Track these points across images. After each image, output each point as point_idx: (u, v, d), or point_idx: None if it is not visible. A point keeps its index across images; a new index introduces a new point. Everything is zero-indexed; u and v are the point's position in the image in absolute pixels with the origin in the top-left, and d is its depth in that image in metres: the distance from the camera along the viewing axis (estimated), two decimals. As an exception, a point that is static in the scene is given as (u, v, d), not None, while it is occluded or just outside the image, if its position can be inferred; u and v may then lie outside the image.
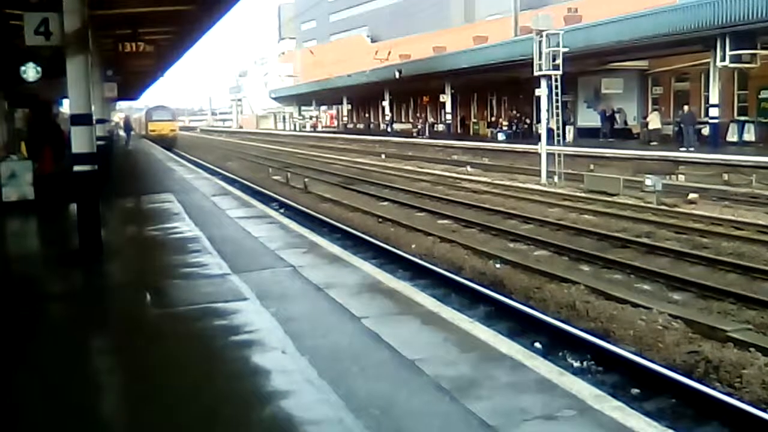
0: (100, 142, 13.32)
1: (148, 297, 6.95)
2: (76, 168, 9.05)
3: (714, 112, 27.01)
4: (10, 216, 13.61)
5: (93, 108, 9.53)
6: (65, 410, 4.41)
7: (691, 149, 24.99)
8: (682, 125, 27.78)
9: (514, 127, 41.90)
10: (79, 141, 9.01)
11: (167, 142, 48.99)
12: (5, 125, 22.62)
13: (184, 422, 4.19)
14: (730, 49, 24.70)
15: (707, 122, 27.95)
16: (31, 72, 16.96)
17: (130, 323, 6.31)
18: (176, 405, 4.45)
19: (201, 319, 6.13)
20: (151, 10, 15.33)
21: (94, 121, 9.80)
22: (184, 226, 11.43)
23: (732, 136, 28.37)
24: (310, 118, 79.55)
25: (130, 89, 41.22)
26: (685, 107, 28.45)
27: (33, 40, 9.00)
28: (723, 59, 25.05)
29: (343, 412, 4.10)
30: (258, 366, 4.97)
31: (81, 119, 9.05)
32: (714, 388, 5.99)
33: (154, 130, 54.07)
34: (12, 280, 8.57)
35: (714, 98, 26.74)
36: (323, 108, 79.52)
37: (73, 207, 9.80)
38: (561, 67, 21.92)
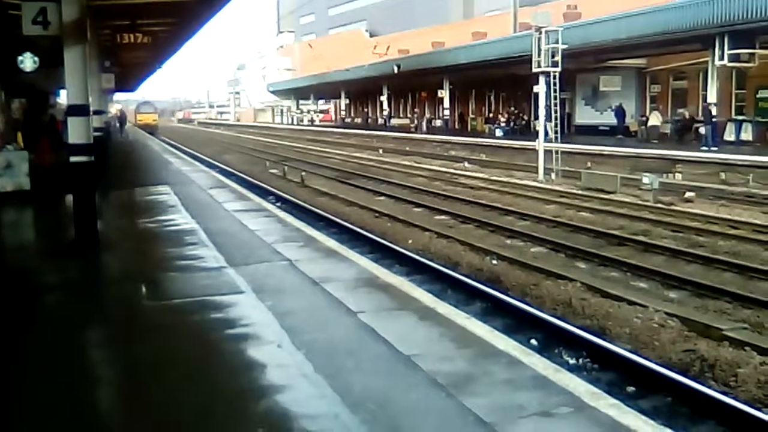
0: (97, 133, 13.30)
1: (144, 289, 6.93)
2: (73, 159, 9.02)
3: (712, 111, 26.97)
4: (5, 206, 13.56)
5: (90, 99, 9.50)
6: (60, 403, 4.39)
7: (714, 148, 24.56)
8: (703, 124, 27.12)
9: (511, 124, 41.91)
10: (76, 132, 8.99)
11: (150, 129, 65.08)
12: (2, 115, 22.54)
13: (179, 416, 4.18)
14: (729, 48, 24.68)
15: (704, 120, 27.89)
16: (28, 62, 16.92)
17: (125, 315, 6.29)
18: (171, 398, 4.44)
19: (197, 312, 6.11)
20: (150, 0, 15.27)
21: (91, 112, 9.76)
22: (181, 219, 11.42)
23: (729, 135, 28.37)
24: (309, 112, 79.37)
25: (127, 80, 41.15)
26: (712, 106, 27.56)
27: (31, 30, 8.94)
28: (721, 58, 25.04)
29: (339, 407, 4.09)
30: (254, 360, 4.96)
31: (78, 110, 9.03)
32: (709, 387, 5.99)
33: (141, 120, 72.67)
34: (8, 271, 8.54)
35: (712, 97, 26.71)
36: (321, 102, 79.38)
37: (70, 198, 9.76)
38: (560, 64, 21.90)
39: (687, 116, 30.50)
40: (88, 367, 5.20)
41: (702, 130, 27.77)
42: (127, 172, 21.44)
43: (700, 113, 29.16)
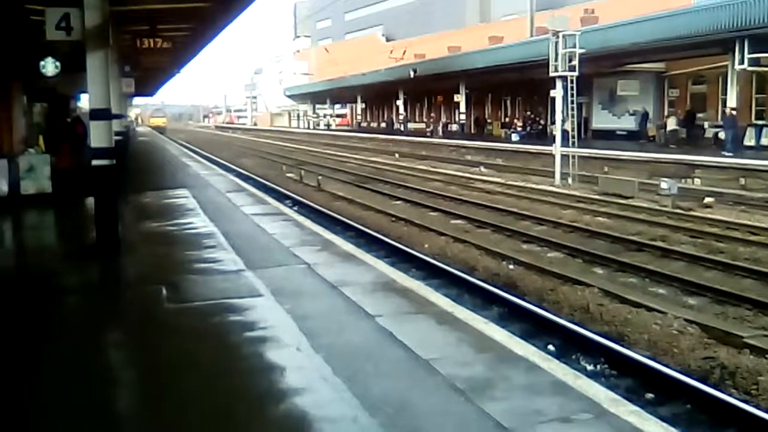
0: (117, 137, 13.41)
1: (164, 292, 6.98)
2: (95, 162, 9.11)
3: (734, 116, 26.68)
4: (28, 209, 13.72)
5: (111, 103, 9.59)
6: (80, 404, 4.44)
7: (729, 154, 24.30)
8: (723, 128, 26.68)
9: (528, 128, 41.79)
10: (98, 135, 9.08)
11: (160, 129, 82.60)
12: (24, 119, 22.79)
13: (198, 418, 4.21)
14: (749, 52, 24.44)
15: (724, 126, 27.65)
16: (50, 67, 17.11)
17: (145, 318, 6.34)
18: (191, 400, 4.47)
19: (216, 314, 6.16)
20: (169, 6, 15.43)
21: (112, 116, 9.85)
22: (200, 222, 11.49)
23: (750, 140, 28.04)
24: (325, 116, 79.55)
25: (146, 85, 41.48)
26: (728, 109, 26.66)
27: (54, 35, 9.05)
28: (741, 62, 24.79)
29: (357, 410, 4.11)
30: (273, 362, 4.99)
31: (100, 114, 9.11)
32: (730, 395, 5.95)
33: (153, 122, 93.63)
34: (30, 273, 8.65)
35: (732, 101, 26.46)
36: (337, 106, 79.56)
37: (91, 201, 9.85)
38: (577, 69, 21.83)
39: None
40: (109, 368, 5.25)
41: (721, 134, 27.50)
42: (146, 175, 21.62)
43: (718, 118, 28.91)
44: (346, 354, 5.06)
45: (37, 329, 5.98)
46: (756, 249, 11.75)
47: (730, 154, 24.13)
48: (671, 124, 31.21)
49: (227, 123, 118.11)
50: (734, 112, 26.02)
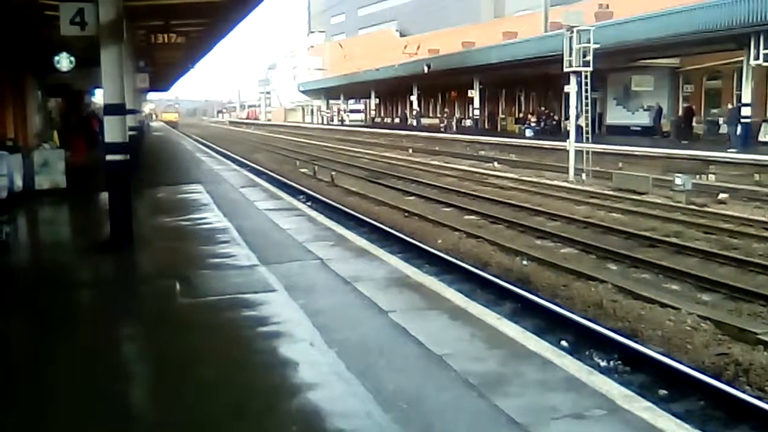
0: (131, 133, 13.49)
1: (178, 286, 7.02)
2: (109, 157, 9.16)
3: (746, 111, 26.49)
4: (43, 204, 13.83)
5: (125, 98, 9.63)
6: (93, 398, 4.48)
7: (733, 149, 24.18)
8: (726, 124, 26.55)
9: (542, 124, 41.63)
10: (112, 130, 9.13)
11: (172, 124, 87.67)
12: (39, 114, 22.94)
13: (212, 412, 4.23)
14: (764, 48, 24.22)
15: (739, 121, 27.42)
16: (64, 62, 17.23)
17: (159, 312, 6.37)
18: (204, 394, 4.50)
19: (230, 309, 6.19)
20: (183, 1, 15.46)
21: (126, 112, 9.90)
22: (213, 217, 11.54)
23: (764, 136, 27.81)
24: (339, 111, 79.46)
25: (161, 80, 41.64)
26: (729, 105, 26.88)
27: (68, 30, 9.09)
28: (756, 58, 24.53)
29: (371, 405, 4.12)
30: (286, 357, 5.01)
31: (114, 109, 9.17)
32: (744, 392, 5.92)
33: (165, 117, 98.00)
34: (45, 267, 8.73)
35: (747, 97, 26.24)
36: (351, 102, 79.58)
37: (105, 196, 9.91)
38: (591, 64, 21.71)
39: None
40: (121, 362, 5.28)
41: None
42: (160, 170, 21.70)
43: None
44: (359, 349, 5.07)
45: (51, 323, 6.03)
46: (771, 245, 11.66)
47: (741, 149, 23.91)
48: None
49: (245, 119, 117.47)
50: (744, 108, 25.80)
